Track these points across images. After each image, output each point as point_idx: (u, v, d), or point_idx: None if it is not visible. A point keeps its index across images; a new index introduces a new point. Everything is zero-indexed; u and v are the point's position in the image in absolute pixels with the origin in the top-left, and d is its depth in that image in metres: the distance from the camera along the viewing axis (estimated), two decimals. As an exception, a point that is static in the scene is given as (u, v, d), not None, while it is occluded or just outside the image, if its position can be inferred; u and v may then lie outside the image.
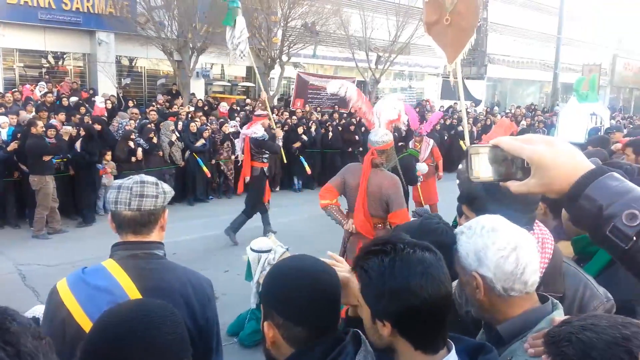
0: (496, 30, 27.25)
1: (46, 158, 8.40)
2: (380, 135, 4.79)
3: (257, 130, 8.27)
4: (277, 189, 12.74)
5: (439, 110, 19.41)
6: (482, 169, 1.10)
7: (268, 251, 5.16)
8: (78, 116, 10.99)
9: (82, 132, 9.30)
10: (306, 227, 9.55)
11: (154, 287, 1.76)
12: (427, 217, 1.94)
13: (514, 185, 1.09)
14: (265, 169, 8.58)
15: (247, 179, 8.42)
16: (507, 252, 1.39)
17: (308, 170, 12.66)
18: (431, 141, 9.51)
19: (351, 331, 1.35)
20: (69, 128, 9.34)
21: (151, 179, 1.90)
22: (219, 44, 17.10)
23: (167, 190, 1.91)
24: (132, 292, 1.73)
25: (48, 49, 16.63)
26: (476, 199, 1.90)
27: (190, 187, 11.09)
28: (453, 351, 1.28)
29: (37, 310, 4.15)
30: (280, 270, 1.36)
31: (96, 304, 1.64)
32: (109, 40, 16.69)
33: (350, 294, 1.49)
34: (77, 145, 9.24)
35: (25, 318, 0.61)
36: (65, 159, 9.32)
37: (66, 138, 9.02)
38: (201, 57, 16.48)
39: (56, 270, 7.05)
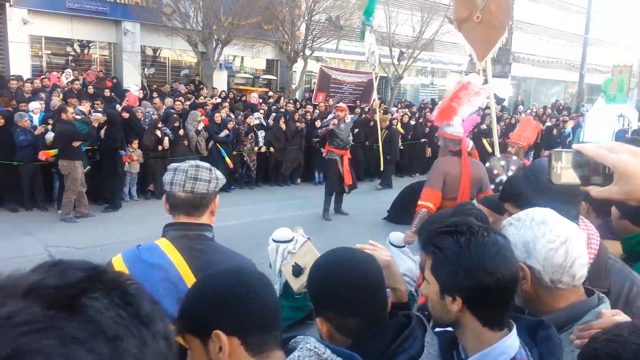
0: (521, 29, 26.87)
1: (76, 144, 8.55)
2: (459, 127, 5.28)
3: (330, 117, 9.22)
4: (299, 181, 12.80)
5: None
6: (563, 172, 1.14)
7: (288, 241, 5.20)
8: (97, 103, 11.09)
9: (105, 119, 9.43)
10: (327, 219, 9.62)
11: (205, 268, 1.81)
12: (461, 203, 1.97)
13: (595, 190, 1.12)
14: (335, 154, 9.57)
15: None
16: (557, 245, 1.41)
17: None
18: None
19: (414, 315, 1.40)
20: (99, 115, 9.48)
21: (206, 164, 1.97)
22: (243, 37, 17.24)
23: (220, 176, 1.97)
24: (185, 271, 1.79)
25: (75, 37, 16.88)
26: (521, 195, 1.90)
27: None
28: (514, 330, 1.32)
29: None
30: (322, 267, 1.40)
31: (150, 281, 1.70)
32: (135, 30, 16.88)
33: (390, 277, 1.54)
34: (102, 132, 9.39)
35: (140, 283, 0.62)
36: (94, 147, 9.47)
37: (96, 125, 9.16)
38: (224, 49, 16.58)
39: (83, 252, 7.22)
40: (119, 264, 1.81)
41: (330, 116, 9.82)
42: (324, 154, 9.91)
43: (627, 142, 4.49)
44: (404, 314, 1.40)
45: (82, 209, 8.90)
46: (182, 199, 1.89)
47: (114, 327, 0.53)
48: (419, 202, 5.01)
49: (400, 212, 9.44)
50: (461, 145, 5.12)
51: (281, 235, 5.28)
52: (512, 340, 1.29)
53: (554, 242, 1.41)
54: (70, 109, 8.72)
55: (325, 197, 9.78)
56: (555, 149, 1.18)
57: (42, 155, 8.68)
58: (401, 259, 5.70)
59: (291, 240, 5.22)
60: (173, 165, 1.95)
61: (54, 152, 8.70)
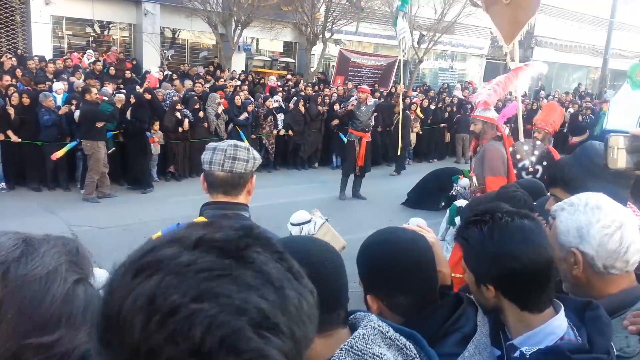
0: (544, 12, 26.26)
1: (99, 124, 8.64)
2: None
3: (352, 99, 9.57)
4: (317, 165, 12.80)
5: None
6: (619, 157, 1.12)
7: (306, 222, 5.23)
8: (120, 85, 11.18)
9: (132, 100, 9.49)
10: (346, 203, 9.63)
11: None
12: (504, 185, 1.96)
13: None
14: (354, 136, 9.75)
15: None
16: (611, 230, 1.39)
17: (348, 146, 12.65)
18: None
19: (465, 296, 1.41)
20: (122, 96, 9.54)
21: (244, 144, 1.99)
22: (262, 18, 17.14)
23: (257, 157, 2.00)
24: None
25: (95, 18, 16.94)
26: (573, 180, 1.87)
27: (231, 159, 11.24)
28: (562, 312, 1.32)
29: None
30: (374, 244, 1.41)
31: None
32: (155, 11, 16.88)
33: (434, 258, 1.55)
34: (128, 113, 9.46)
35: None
36: (120, 131, 9.55)
37: (119, 106, 9.23)
38: (244, 31, 16.52)
39: (106, 232, 7.35)
40: None
41: (352, 98, 9.79)
42: (347, 137, 9.95)
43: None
44: (455, 294, 1.42)
45: (104, 189, 9.02)
46: (220, 178, 1.91)
47: (279, 278, 0.59)
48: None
49: (422, 198, 9.42)
50: (498, 129, 5.11)
51: (299, 217, 5.30)
52: (560, 321, 1.30)
53: (608, 228, 1.40)
54: (94, 90, 8.80)
55: (342, 178, 9.87)
56: (612, 133, 1.16)
57: (53, 157, 8.80)
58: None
59: (309, 221, 5.24)
60: (212, 144, 1.96)
61: (64, 151, 8.84)
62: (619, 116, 11.16)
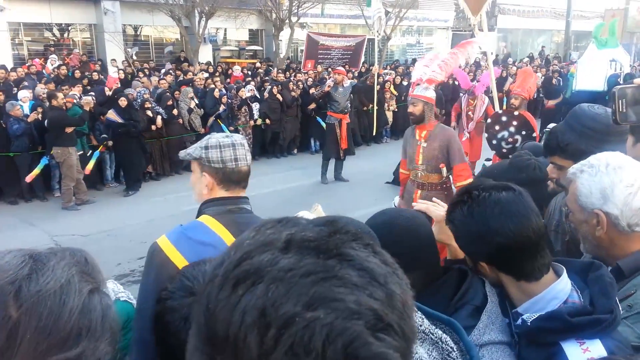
0: (505, -21, 26.49)
1: (68, 130, 8.43)
2: None
3: (328, 81, 9.71)
4: (296, 151, 12.75)
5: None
6: (629, 111, 1.09)
7: None
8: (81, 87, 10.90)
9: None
10: (330, 187, 9.65)
11: None
12: (516, 154, 1.97)
13: None
14: (334, 118, 9.73)
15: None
16: (635, 189, 1.40)
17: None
18: (487, 99, 9.34)
19: (469, 268, 1.43)
20: (89, 99, 9.32)
21: (227, 134, 1.99)
22: (226, 7, 16.85)
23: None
24: None
25: (54, 21, 16.43)
26: (568, 145, 1.89)
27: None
28: (564, 275, 1.33)
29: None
30: (374, 228, 1.40)
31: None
32: (115, 9, 16.45)
33: (442, 231, 1.58)
34: (112, 117, 9.22)
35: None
36: (108, 141, 9.42)
37: (87, 109, 9.01)
38: (209, 21, 16.23)
39: (90, 239, 7.22)
40: (167, 246, 1.76)
41: (329, 80, 9.79)
42: (325, 121, 9.94)
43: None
44: (458, 267, 1.44)
45: (81, 196, 8.83)
46: (244, 172, 1.90)
47: (382, 273, 0.56)
48: (461, 184, 4.50)
49: None
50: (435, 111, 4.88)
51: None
52: (562, 285, 1.31)
53: (632, 186, 1.40)
54: (60, 95, 8.56)
55: (323, 162, 9.85)
56: (618, 86, 1.13)
57: (28, 179, 8.66)
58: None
59: None
60: (218, 140, 1.89)
61: (37, 171, 8.69)
62: (587, 77, 11.34)
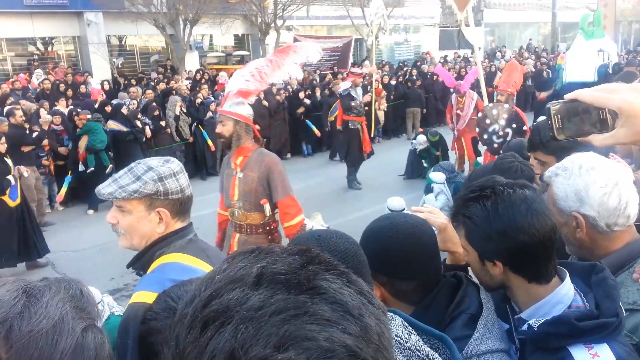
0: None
1: (25, 149, 8.07)
2: None
3: (344, 85, 9.32)
4: (288, 155, 12.67)
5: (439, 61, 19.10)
6: (565, 126, 1.08)
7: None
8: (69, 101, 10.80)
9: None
10: (324, 190, 9.56)
11: (218, 263, 1.72)
12: (501, 156, 1.97)
13: (597, 139, 1.05)
14: (357, 122, 9.44)
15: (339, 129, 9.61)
16: (609, 189, 1.41)
17: (317, 132, 12.55)
18: (475, 95, 9.33)
19: (462, 275, 1.39)
20: (48, 117, 9.06)
21: (163, 158, 1.82)
22: (211, 13, 16.77)
23: None
24: None
25: (37, 35, 16.29)
26: (550, 141, 1.91)
27: (200, 161, 11.01)
28: (567, 278, 1.31)
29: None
30: (374, 232, 1.40)
31: None
32: (98, 20, 16.34)
33: (448, 239, 1.55)
34: (115, 126, 9.10)
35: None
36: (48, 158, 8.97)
37: (46, 127, 8.76)
38: (193, 28, 16.15)
39: (84, 255, 7.17)
40: (151, 299, 1.46)
41: (347, 84, 9.59)
42: (338, 126, 9.78)
43: (620, 78, 4.48)
44: (452, 275, 1.40)
45: (39, 218, 8.15)
46: (190, 199, 1.78)
47: (357, 305, 0.54)
48: (290, 224, 3.69)
49: (417, 168, 9.87)
50: (254, 131, 3.85)
51: None
52: (566, 289, 1.29)
53: (606, 187, 1.41)
54: (18, 113, 8.16)
55: (350, 169, 9.67)
56: (552, 102, 1.11)
57: (58, 199, 8.69)
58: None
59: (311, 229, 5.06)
60: (160, 169, 1.69)
61: (64, 189, 8.70)
62: (576, 68, 11.35)
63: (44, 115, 9.16)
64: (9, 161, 6.75)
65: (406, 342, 0.95)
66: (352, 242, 1.22)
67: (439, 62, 19.24)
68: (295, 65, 3.98)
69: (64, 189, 8.86)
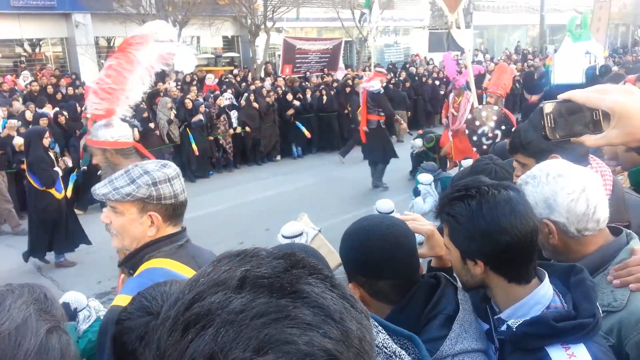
0: (478, -24, 26.76)
1: None
2: None
3: (374, 84, 9.21)
4: (278, 157, 12.64)
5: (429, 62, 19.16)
6: (557, 126, 1.08)
7: (298, 235, 5.02)
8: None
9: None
10: (314, 192, 9.55)
11: None
12: (479, 158, 2.00)
13: (590, 140, 1.06)
14: (382, 121, 9.48)
15: (366, 129, 9.48)
16: (576, 195, 1.43)
17: (307, 134, 12.54)
18: (471, 97, 9.29)
19: (441, 275, 1.40)
20: (14, 121, 8.87)
21: (161, 163, 1.82)
22: (200, 15, 16.72)
23: None
24: None
25: (24, 37, 16.15)
26: (530, 143, 1.91)
27: (186, 163, 10.95)
28: (546, 279, 1.32)
29: (69, 297, 4.15)
30: (352, 234, 1.41)
31: None
32: (86, 22, 16.23)
33: (436, 245, 1.55)
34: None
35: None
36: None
37: (13, 133, 8.57)
38: (182, 30, 16.08)
39: (71, 258, 7.06)
40: None
41: (377, 83, 9.49)
42: (363, 127, 9.58)
43: (609, 80, 4.51)
44: (430, 276, 1.41)
45: (13, 227, 8.09)
46: (184, 203, 1.79)
47: (338, 310, 0.55)
48: None
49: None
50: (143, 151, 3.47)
51: (291, 230, 5.04)
52: (545, 290, 1.31)
53: (573, 193, 1.43)
54: None
55: (381, 167, 9.58)
56: (545, 101, 1.12)
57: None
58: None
59: (301, 234, 5.03)
60: (158, 175, 1.70)
61: (70, 188, 8.42)
62: (565, 70, 11.45)
63: (10, 120, 8.88)
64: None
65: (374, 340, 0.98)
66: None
67: (430, 63, 19.32)
68: (160, 54, 3.30)
69: (70, 186, 8.78)
